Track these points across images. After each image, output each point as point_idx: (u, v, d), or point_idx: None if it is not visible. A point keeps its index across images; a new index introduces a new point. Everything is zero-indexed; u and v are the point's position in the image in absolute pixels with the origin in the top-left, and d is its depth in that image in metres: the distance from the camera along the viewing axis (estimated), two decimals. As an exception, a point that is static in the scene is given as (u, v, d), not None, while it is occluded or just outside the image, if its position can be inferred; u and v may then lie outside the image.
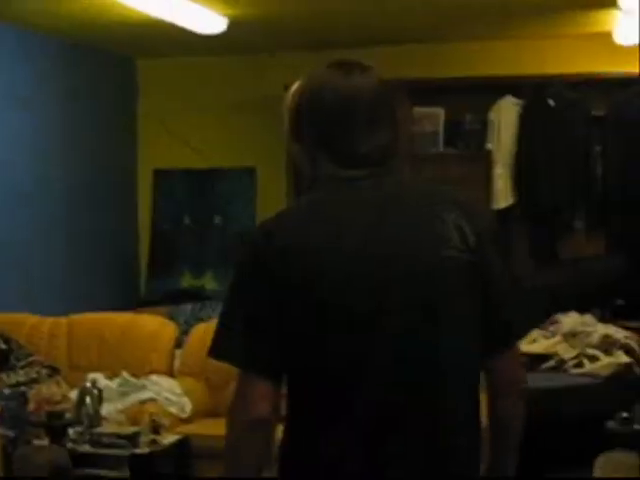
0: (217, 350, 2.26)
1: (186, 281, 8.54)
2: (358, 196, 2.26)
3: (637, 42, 6.83)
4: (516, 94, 7.83)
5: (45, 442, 5.00)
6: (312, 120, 2.30)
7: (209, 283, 8.46)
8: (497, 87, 7.82)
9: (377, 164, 2.30)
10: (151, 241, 8.78)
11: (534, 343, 6.17)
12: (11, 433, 4.84)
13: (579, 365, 5.96)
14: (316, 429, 2.22)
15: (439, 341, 2.21)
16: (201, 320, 7.11)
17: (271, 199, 8.29)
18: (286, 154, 7.73)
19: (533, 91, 7.79)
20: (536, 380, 5.81)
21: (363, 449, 2.18)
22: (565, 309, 6.58)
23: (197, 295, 8.18)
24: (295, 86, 2.38)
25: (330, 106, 2.29)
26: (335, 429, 2.19)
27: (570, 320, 6.43)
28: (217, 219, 8.60)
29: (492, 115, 7.89)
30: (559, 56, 7.82)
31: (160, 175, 8.81)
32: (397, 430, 2.19)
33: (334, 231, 2.21)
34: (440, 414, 2.26)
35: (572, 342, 6.11)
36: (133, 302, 8.23)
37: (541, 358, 6.03)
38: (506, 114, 7.84)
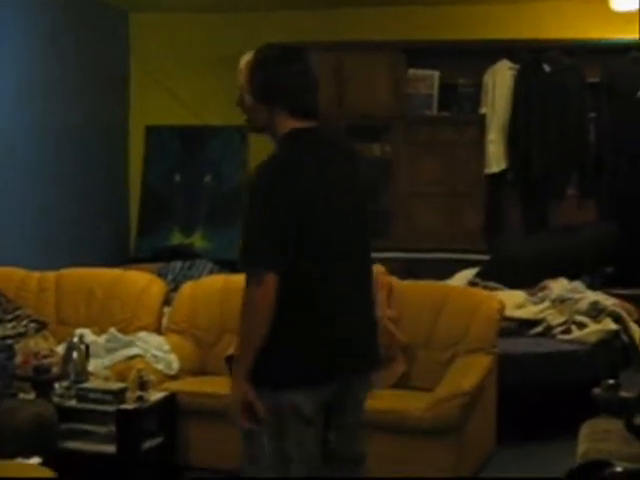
0: (248, 259, 3.16)
1: (176, 239, 8.53)
2: (316, 146, 3.32)
3: (633, 9, 6.80)
4: (512, 58, 7.79)
5: (31, 396, 5.00)
6: (280, 86, 3.25)
7: (198, 241, 8.45)
8: (493, 51, 7.79)
9: (315, 118, 3.32)
10: (141, 198, 8.75)
11: (522, 309, 6.18)
12: (-3, 386, 4.84)
13: (567, 331, 5.97)
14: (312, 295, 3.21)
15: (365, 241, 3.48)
16: (190, 278, 7.10)
17: (262, 159, 8.26)
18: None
19: (529, 55, 7.75)
20: (523, 345, 5.83)
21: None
22: (554, 275, 6.58)
23: (186, 253, 8.17)
24: (247, 59, 3.33)
25: (294, 76, 3.26)
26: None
27: (559, 286, 6.43)
28: (208, 177, 8.57)
29: (487, 79, 7.86)
30: (556, 21, 7.79)
31: (152, 132, 8.76)
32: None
33: (315, 172, 3.24)
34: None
35: (561, 308, 6.11)
36: (122, 259, 8.22)
37: (529, 324, 6.03)
38: (501, 78, 7.81)
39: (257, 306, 3.13)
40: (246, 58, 3.35)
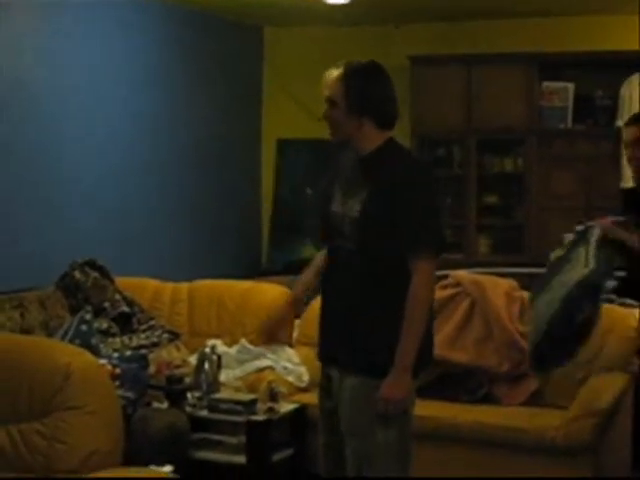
0: (440, 245, 3.45)
1: (307, 251, 8.55)
2: None
3: None
4: (649, 71, 7.60)
5: (165, 405, 5.08)
6: (374, 98, 3.44)
7: (329, 254, 8.47)
8: (630, 62, 7.60)
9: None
10: (273, 211, 8.83)
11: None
12: (131, 395, 4.91)
13: None
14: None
15: None
16: (321, 291, 7.10)
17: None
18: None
19: (667, 68, 7.55)
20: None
21: None
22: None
23: (318, 266, 8.19)
24: (335, 74, 3.46)
25: (385, 89, 3.48)
26: None
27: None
28: (339, 190, 8.58)
29: (623, 91, 7.69)
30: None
31: (284, 145, 8.83)
32: None
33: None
34: None
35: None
36: (254, 271, 8.30)
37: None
38: (638, 90, 7.62)
39: (433, 288, 3.41)
40: (334, 73, 3.49)
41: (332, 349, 3.53)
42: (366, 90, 3.44)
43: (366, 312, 3.42)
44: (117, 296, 6.04)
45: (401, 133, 7.93)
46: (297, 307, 3.94)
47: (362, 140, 3.49)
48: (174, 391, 5.15)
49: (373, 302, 3.41)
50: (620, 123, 7.71)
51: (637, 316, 5.45)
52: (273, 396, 5.11)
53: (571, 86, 7.96)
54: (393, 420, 3.37)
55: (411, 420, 3.48)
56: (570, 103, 7.96)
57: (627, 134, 4.56)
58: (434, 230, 3.43)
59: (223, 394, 5.19)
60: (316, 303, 6.00)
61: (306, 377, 5.60)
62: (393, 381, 3.33)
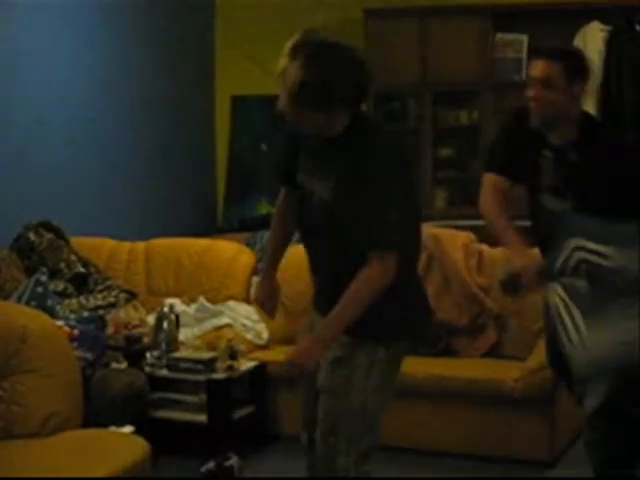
0: (380, 241, 3.22)
1: (263, 208, 8.52)
2: None
3: None
4: (603, 20, 7.59)
5: (123, 365, 5.05)
6: (342, 86, 3.12)
7: (286, 210, 8.44)
8: (584, 12, 7.59)
9: None
10: (228, 168, 8.77)
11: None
12: (89, 356, 4.89)
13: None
14: None
15: None
16: (277, 247, 7.08)
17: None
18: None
19: (621, 17, 7.55)
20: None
21: None
22: None
23: (274, 222, 8.17)
24: (297, 65, 3.10)
25: (350, 72, 3.13)
26: None
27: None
28: (294, 146, 8.54)
29: (577, 42, 7.68)
30: (649, -20, 7.56)
31: (238, 101, 8.76)
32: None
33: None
34: None
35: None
36: (210, 229, 8.26)
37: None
38: (592, 41, 7.61)
39: (380, 287, 3.19)
40: (289, 63, 3.17)
41: (322, 305, 3.42)
42: (329, 82, 3.12)
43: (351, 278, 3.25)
44: (72, 257, 5.99)
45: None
46: (268, 304, 3.66)
47: (331, 126, 3.25)
48: (132, 351, 5.14)
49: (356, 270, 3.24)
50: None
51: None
52: (232, 354, 5.11)
53: (525, 38, 7.94)
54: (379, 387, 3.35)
55: (391, 388, 3.44)
56: (524, 54, 7.95)
57: (535, 69, 3.98)
58: (389, 228, 3.19)
59: (182, 353, 5.18)
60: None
61: (265, 334, 5.59)
62: (304, 345, 3.30)
